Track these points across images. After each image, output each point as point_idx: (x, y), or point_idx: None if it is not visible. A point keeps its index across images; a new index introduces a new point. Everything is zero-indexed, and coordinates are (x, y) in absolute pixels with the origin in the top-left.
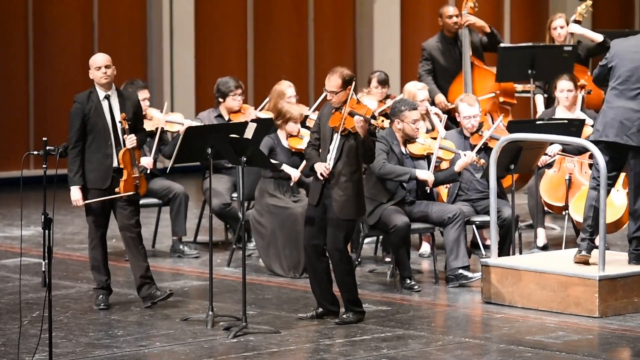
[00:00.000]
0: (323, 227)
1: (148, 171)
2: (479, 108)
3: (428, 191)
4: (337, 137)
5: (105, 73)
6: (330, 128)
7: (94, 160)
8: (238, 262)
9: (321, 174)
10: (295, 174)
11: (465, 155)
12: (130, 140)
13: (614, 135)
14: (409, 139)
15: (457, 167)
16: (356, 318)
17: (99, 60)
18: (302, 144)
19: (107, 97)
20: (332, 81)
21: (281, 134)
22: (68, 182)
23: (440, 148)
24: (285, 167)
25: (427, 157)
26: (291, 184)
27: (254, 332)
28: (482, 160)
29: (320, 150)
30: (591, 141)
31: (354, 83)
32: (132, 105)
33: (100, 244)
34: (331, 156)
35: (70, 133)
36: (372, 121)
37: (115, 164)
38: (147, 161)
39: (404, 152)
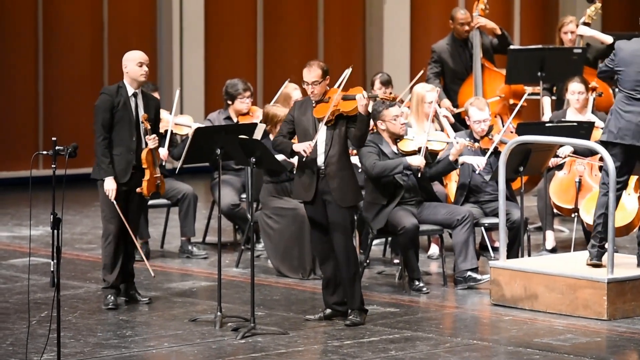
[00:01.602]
0: (328, 224)
1: (164, 163)
2: (488, 112)
3: (419, 175)
4: (323, 129)
5: (146, 71)
6: (314, 121)
7: (116, 153)
8: (247, 262)
9: (304, 150)
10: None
11: (457, 142)
12: (153, 141)
13: (630, 138)
14: (398, 138)
15: (451, 156)
16: (363, 317)
17: (140, 56)
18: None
19: (135, 95)
20: (313, 72)
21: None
22: (100, 173)
23: (430, 140)
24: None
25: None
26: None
27: (262, 333)
28: (476, 144)
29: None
30: (604, 141)
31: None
32: (154, 106)
33: (115, 241)
34: (322, 148)
35: (97, 125)
36: (381, 95)
37: (134, 161)
38: (162, 153)
39: (396, 152)
